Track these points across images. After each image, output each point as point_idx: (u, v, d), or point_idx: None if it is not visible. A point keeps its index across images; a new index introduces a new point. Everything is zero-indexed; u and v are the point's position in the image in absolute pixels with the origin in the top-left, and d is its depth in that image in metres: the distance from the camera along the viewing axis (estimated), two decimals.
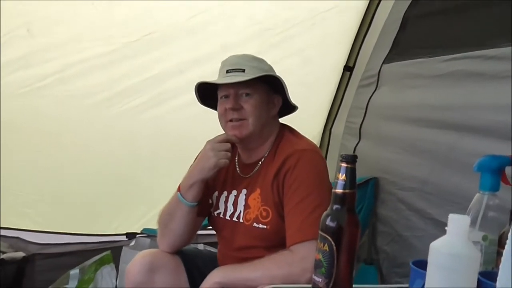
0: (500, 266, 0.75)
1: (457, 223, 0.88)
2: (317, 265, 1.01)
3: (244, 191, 1.65)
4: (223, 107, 1.62)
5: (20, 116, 2.40)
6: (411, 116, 2.24)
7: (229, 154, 1.58)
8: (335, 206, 1.01)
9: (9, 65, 2.27)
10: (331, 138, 2.95)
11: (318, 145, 2.89)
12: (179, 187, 1.65)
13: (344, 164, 1.01)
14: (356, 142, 2.65)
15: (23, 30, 2.21)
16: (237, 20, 2.47)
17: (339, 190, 1.01)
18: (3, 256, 2.44)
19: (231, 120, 1.61)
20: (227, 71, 1.62)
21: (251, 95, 1.61)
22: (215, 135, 1.64)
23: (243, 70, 1.60)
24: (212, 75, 1.70)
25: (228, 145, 1.59)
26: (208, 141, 1.61)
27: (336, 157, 2.73)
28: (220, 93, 1.64)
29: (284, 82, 1.64)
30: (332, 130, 2.95)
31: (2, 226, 2.53)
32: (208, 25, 2.45)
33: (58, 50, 2.33)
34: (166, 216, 1.69)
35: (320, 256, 1.00)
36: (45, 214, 2.60)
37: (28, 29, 2.22)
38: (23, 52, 2.27)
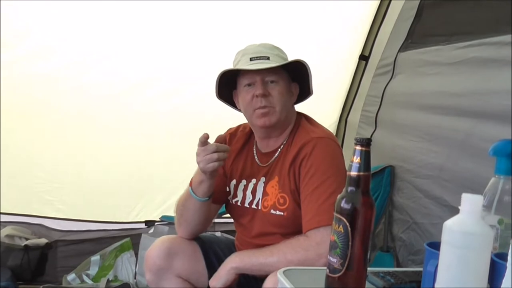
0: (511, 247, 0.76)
1: (470, 202, 0.88)
2: (332, 246, 1.02)
3: (263, 179, 1.66)
4: (250, 95, 1.60)
5: (42, 107, 2.46)
6: (427, 104, 2.22)
7: (215, 156, 1.50)
8: (349, 188, 1.02)
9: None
10: (347, 127, 2.95)
11: (334, 134, 2.89)
12: (191, 181, 1.66)
13: (358, 147, 1.02)
14: (372, 130, 2.64)
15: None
16: (253, 8, 2.46)
17: (353, 173, 1.02)
18: (27, 242, 2.52)
19: (259, 108, 1.59)
20: (251, 59, 1.60)
21: (276, 83, 1.60)
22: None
23: (268, 58, 1.60)
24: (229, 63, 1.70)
25: (213, 147, 1.52)
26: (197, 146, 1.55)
27: (352, 146, 2.72)
28: (244, 81, 1.62)
29: (310, 69, 1.63)
30: (348, 119, 2.94)
31: (26, 213, 2.63)
32: (225, 19, 2.47)
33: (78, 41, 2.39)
34: (181, 208, 1.71)
35: (335, 237, 1.01)
36: (67, 202, 2.67)
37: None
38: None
